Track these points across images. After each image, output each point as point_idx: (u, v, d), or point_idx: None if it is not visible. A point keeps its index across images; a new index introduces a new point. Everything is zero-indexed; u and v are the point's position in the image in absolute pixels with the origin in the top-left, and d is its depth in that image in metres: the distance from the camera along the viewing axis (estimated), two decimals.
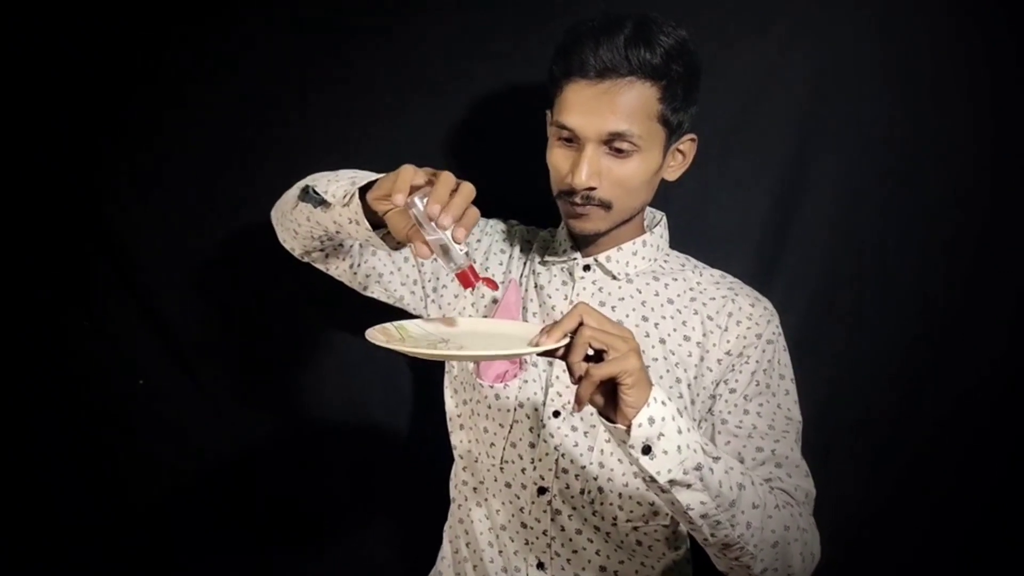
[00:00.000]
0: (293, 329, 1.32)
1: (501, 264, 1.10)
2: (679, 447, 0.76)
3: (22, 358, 1.28)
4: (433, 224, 0.75)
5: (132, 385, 1.30)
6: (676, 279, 1.04)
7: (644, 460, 0.76)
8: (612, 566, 1.00)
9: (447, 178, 0.76)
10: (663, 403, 0.76)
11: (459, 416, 1.11)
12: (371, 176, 0.86)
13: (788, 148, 1.20)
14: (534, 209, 1.11)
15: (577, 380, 0.75)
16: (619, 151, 0.92)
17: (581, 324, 0.75)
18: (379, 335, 0.78)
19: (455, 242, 0.76)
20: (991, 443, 1.20)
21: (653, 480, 0.78)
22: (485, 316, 1.07)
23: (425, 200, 0.75)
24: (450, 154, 1.26)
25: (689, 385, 0.99)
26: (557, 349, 0.75)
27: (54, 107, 1.26)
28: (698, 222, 1.22)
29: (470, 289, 0.80)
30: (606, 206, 0.95)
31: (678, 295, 1.03)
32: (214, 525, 1.33)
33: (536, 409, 1.01)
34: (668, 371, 0.99)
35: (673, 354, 0.99)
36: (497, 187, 1.26)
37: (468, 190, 0.76)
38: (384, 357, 1.30)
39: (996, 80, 1.14)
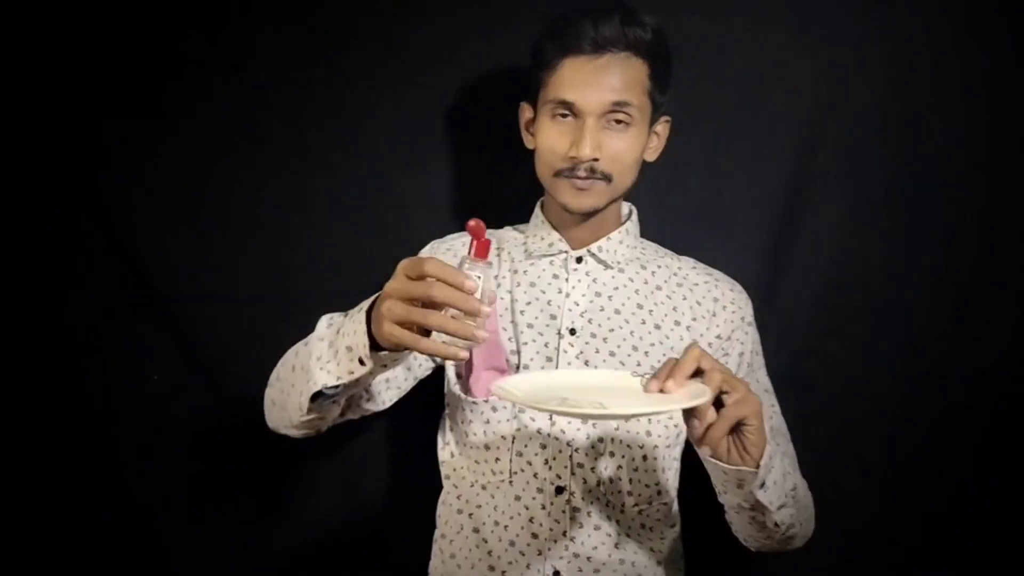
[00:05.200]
0: (302, 326, 1.19)
1: None
2: (783, 475, 0.82)
3: (30, 353, 1.23)
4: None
5: (145, 381, 1.24)
6: (660, 266, 1.07)
7: (760, 493, 0.79)
8: (629, 557, 0.99)
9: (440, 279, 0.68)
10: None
11: (447, 444, 1.06)
12: (334, 333, 0.78)
13: (794, 146, 1.21)
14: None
15: (706, 426, 0.74)
16: (617, 122, 0.94)
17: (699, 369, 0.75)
18: (514, 393, 0.74)
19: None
20: (999, 441, 1.22)
21: (760, 507, 0.82)
22: None
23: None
24: (447, 149, 1.22)
25: None
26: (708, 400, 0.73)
27: (57, 106, 1.20)
28: (704, 221, 1.23)
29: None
30: (607, 179, 0.96)
31: (665, 281, 1.05)
32: (216, 519, 1.26)
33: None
34: (664, 355, 1.00)
35: (668, 339, 1.02)
36: (492, 183, 1.21)
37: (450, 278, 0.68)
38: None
39: (999, 78, 1.17)
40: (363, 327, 0.73)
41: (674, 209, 1.21)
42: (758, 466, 0.77)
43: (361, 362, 0.74)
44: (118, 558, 1.27)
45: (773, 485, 0.80)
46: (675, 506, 1.06)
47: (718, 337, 1.04)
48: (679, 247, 1.13)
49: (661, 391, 0.74)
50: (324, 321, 0.86)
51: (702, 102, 1.19)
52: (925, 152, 1.20)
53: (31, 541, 1.24)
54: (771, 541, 0.90)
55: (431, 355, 0.71)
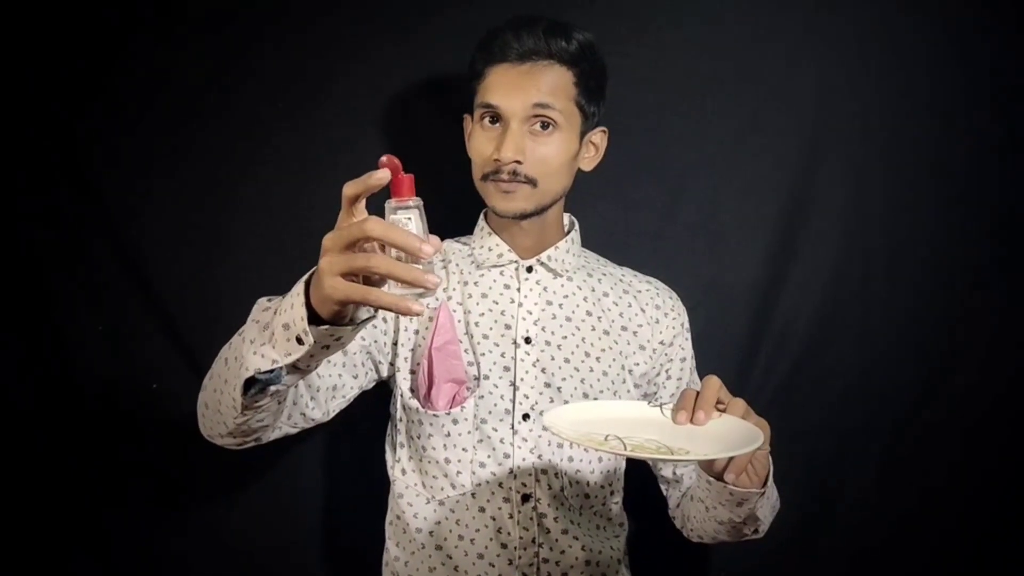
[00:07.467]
0: None
1: None
2: (773, 483, 0.88)
3: (32, 362, 1.23)
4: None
5: (147, 389, 1.23)
6: (605, 274, 1.10)
7: (759, 510, 0.87)
8: (594, 558, 1.01)
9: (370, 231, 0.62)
10: None
11: (398, 461, 1.04)
12: (271, 314, 0.71)
13: (796, 156, 1.23)
14: None
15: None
16: (543, 126, 0.96)
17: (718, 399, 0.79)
18: (570, 434, 0.75)
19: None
20: (1001, 448, 1.23)
21: (753, 520, 0.88)
22: (419, 332, 1.01)
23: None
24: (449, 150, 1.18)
25: (631, 371, 1.06)
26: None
27: (63, 111, 1.19)
28: (706, 230, 1.25)
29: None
30: (532, 183, 0.97)
31: (611, 288, 1.09)
32: (219, 524, 1.26)
33: (501, 419, 0.98)
34: (615, 360, 1.04)
35: (617, 344, 1.05)
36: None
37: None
38: None
39: (1003, 85, 1.20)
40: (301, 299, 0.66)
41: (673, 222, 1.23)
42: (764, 486, 0.83)
43: (299, 341, 0.66)
44: (118, 558, 1.25)
45: (768, 500, 0.87)
46: (621, 502, 1.10)
47: (661, 343, 1.08)
48: (677, 260, 1.16)
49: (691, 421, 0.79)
50: (260, 304, 0.78)
51: (703, 115, 1.23)
52: (927, 165, 1.23)
53: (31, 541, 1.23)
54: (736, 539, 0.96)
55: (382, 308, 0.62)
